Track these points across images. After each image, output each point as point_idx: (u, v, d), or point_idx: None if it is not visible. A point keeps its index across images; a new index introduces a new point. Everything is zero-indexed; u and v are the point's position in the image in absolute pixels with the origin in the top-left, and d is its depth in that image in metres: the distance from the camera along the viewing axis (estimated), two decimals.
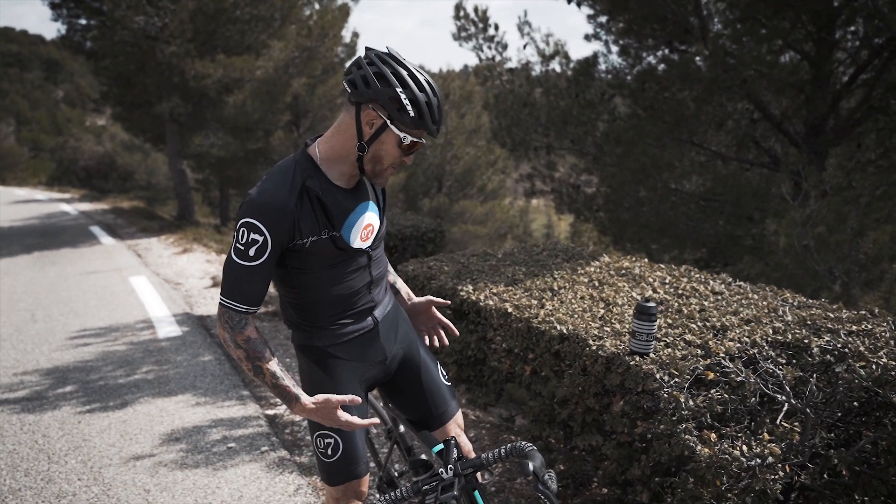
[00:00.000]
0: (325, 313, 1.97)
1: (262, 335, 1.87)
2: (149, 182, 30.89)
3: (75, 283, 8.43)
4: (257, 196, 1.79)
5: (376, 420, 1.89)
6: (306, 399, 1.84)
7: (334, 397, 1.82)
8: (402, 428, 2.39)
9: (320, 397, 1.83)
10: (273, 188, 1.80)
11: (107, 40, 13.21)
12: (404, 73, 1.77)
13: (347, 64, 1.74)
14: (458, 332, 2.37)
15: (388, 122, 1.78)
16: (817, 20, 6.94)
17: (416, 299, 2.33)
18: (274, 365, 1.85)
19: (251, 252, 1.77)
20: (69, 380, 5.04)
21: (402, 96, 1.75)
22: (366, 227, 1.95)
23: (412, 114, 1.76)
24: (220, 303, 1.84)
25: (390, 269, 2.32)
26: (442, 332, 2.36)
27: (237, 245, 1.78)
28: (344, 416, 1.84)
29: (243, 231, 1.77)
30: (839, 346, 2.50)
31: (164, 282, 8.54)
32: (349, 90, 1.80)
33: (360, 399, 1.85)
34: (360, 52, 1.88)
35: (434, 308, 2.33)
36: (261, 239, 1.76)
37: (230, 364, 5.35)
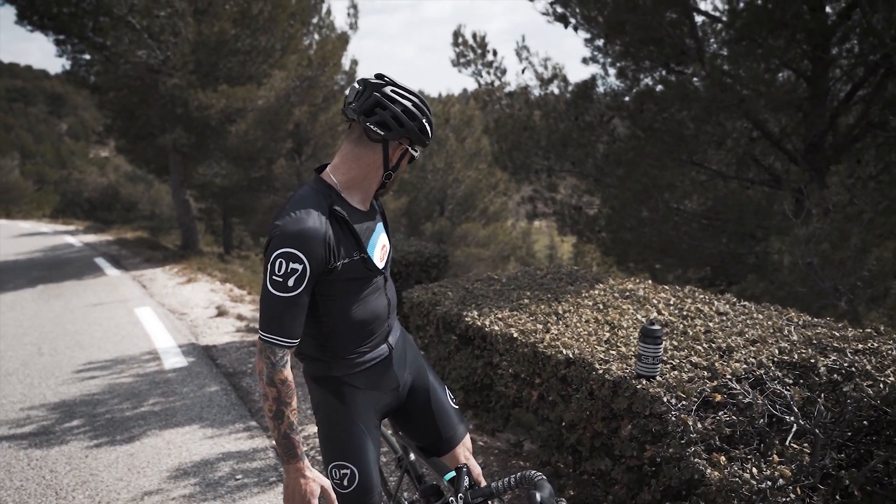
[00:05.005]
0: (345, 341, 1.99)
1: (293, 380, 1.85)
2: (152, 212, 31.12)
3: (81, 315, 8.44)
4: (290, 225, 1.78)
5: None
6: (306, 465, 1.83)
7: (331, 495, 1.88)
8: (412, 456, 2.39)
9: (321, 483, 1.85)
10: (304, 216, 1.80)
11: (110, 74, 13.38)
12: (416, 100, 1.92)
13: (354, 102, 1.78)
14: None
15: (410, 148, 1.96)
16: (812, 39, 7.02)
17: None
18: (294, 416, 1.82)
19: (290, 282, 1.76)
20: (76, 413, 5.03)
21: (426, 124, 1.93)
22: (382, 247, 2.04)
23: (430, 134, 1.96)
24: (260, 338, 1.80)
25: None
26: None
27: (274, 277, 1.76)
28: None
29: (280, 262, 1.75)
30: (846, 365, 2.49)
31: (170, 312, 8.56)
32: (381, 132, 1.87)
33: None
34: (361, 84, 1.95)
35: None
36: (300, 268, 1.76)
37: (237, 395, 5.34)
